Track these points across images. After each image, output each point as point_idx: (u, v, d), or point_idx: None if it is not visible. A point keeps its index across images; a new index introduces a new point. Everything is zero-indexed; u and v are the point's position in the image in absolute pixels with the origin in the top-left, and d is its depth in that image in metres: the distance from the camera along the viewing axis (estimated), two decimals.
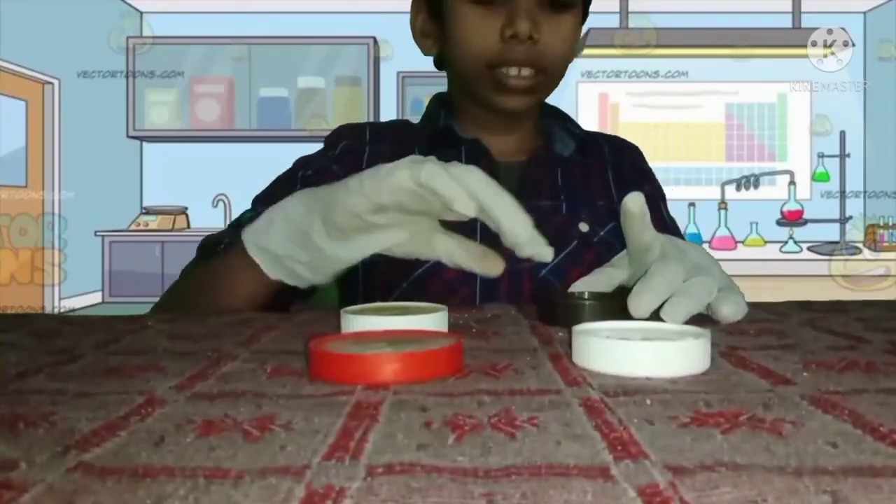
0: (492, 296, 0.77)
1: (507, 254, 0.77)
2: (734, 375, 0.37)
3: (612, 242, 0.82)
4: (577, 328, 0.41)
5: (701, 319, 0.52)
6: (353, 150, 0.85)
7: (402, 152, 0.83)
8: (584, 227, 0.82)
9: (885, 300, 0.59)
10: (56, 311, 5.11)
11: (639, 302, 0.49)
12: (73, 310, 5.14)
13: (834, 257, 2.97)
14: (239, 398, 0.34)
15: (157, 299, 0.77)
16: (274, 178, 0.92)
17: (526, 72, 0.78)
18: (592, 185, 0.86)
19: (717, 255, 2.64)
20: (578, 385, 0.35)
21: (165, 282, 4.83)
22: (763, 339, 0.47)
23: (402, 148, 0.84)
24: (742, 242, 3.41)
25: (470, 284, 0.78)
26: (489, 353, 0.43)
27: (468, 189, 0.48)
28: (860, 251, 3.15)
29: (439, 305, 0.47)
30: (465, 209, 0.48)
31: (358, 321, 0.44)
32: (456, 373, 0.38)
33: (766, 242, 3.44)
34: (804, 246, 3.25)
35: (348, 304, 0.54)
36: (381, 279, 0.80)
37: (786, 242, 3.29)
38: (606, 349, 0.37)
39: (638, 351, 0.36)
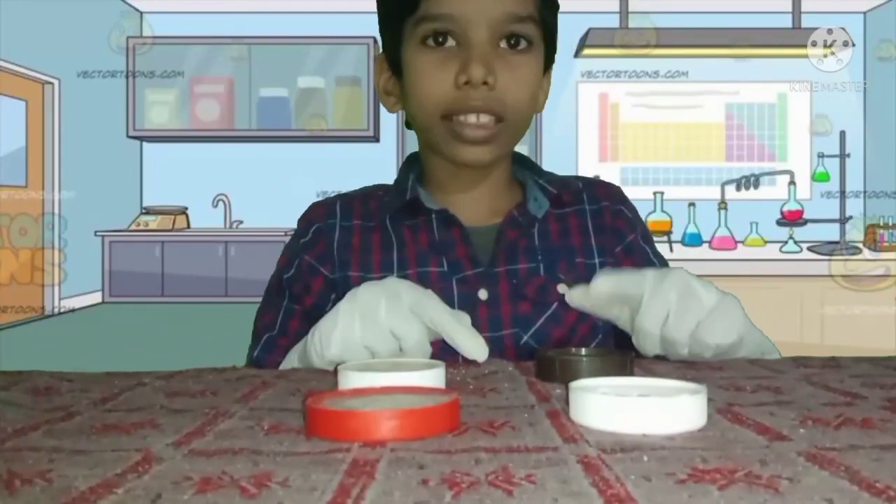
0: None
1: (489, 320, 0.77)
2: (731, 432, 0.37)
3: None
4: (575, 385, 0.41)
5: (699, 378, 0.52)
6: (322, 232, 0.84)
7: (372, 226, 0.83)
8: (562, 288, 0.79)
9: (880, 357, 0.58)
10: (56, 311, 5.11)
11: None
12: (74, 309, 5.15)
13: (834, 257, 2.96)
14: (236, 455, 0.34)
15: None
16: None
17: (484, 118, 0.75)
18: (570, 240, 0.83)
19: (717, 254, 2.60)
20: (576, 442, 0.35)
21: (165, 282, 4.82)
22: (759, 395, 0.47)
23: (372, 222, 0.84)
24: (742, 242, 3.40)
25: (454, 355, 0.78)
26: (486, 409, 0.43)
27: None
28: (860, 251, 3.14)
29: (436, 361, 0.47)
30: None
31: (355, 378, 0.43)
32: (453, 430, 0.38)
33: (766, 242, 3.43)
34: (804, 246, 3.25)
35: None
36: None
37: (786, 242, 3.28)
38: (604, 406, 0.37)
39: (635, 407, 0.37)
